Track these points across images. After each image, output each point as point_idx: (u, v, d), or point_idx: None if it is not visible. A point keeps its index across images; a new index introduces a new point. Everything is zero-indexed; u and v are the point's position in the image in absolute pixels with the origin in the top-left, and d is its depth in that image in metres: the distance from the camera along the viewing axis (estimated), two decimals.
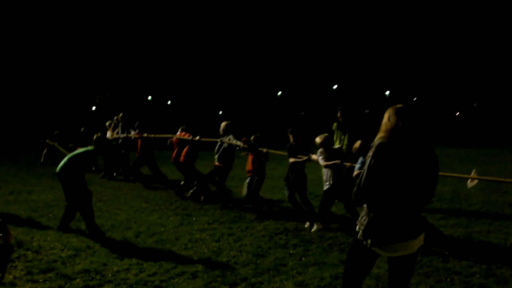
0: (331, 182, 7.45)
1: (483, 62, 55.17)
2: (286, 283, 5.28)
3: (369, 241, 3.33)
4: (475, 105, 58.49)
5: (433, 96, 57.01)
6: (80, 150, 7.73)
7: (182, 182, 10.80)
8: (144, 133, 12.38)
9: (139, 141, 12.46)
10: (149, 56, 54.51)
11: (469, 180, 6.52)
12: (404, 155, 3.25)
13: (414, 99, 56.62)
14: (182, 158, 10.72)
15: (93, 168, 15.22)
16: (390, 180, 3.24)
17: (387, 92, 53.93)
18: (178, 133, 11.43)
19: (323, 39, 57.94)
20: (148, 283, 5.32)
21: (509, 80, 53.26)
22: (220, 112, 58.48)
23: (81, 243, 6.90)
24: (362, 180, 3.29)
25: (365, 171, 3.28)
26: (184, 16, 55.54)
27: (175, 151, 11.21)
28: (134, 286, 5.25)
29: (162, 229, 7.78)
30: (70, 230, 7.56)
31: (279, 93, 57.54)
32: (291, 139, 8.26)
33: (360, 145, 7.18)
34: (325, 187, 7.57)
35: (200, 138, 10.67)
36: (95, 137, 8.13)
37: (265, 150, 8.92)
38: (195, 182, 10.47)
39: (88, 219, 7.33)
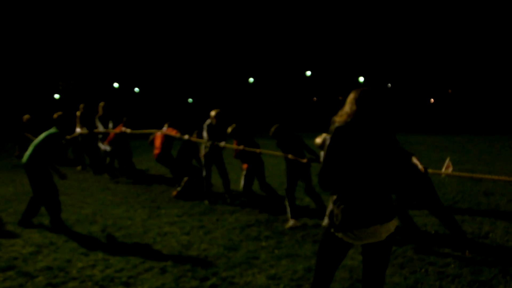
0: None
1: (457, 48, 55.99)
2: (258, 276, 5.14)
3: (333, 227, 3.26)
4: (449, 91, 59.32)
5: (407, 82, 57.62)
6: (42, 135, 7.28)
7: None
8: (128, 129, 11.45)
9: (112, 134, 11.75)
10: (114, 40, 53.36)
11: (443, 167, 6.45)
12: (362, 138, 3.20)
13: (388, 85, 57.20)
14: (158, 150, 10.36)
15: (79, 168, 13.77)
16: (349, 164, 3.19)
17: (361, 79, 54.27)
18: (164, 129, 10.54)
19: (294, 24, 57.87)
20: (115, 279, 5.11)
21: (483, 67, 54.26)
22: (190, 100, 58.03)
23: (44, 238, 6.63)
24: (322, 164, 3.24)
25: (324, 155, 3.23)
26: (150, 1, 54.63)
27: (159, 147, 10.47)
28: (100, 282, 5.03)
29: (130, 222, 7.54)
30: (32, 225, 7.26)
31: (251, 79, 57.29)
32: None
33: None
34: None
35: (189, 137, 9.68)
36: (55, 116, 7.39)
37: (258, 150, 8.45)
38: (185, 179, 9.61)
39: (53, 213, 7.04)
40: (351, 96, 3.36)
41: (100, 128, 12.09)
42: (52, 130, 7.27)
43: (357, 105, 3.28)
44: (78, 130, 12.70)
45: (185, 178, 9.49)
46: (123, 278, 5.13)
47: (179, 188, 9.48)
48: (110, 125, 12.19)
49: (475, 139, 20.65)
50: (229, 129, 8.63)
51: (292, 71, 57.38)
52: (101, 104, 12.37)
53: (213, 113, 9.02)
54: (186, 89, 57.64)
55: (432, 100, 59.60)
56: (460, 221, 7.19)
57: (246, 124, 9.64)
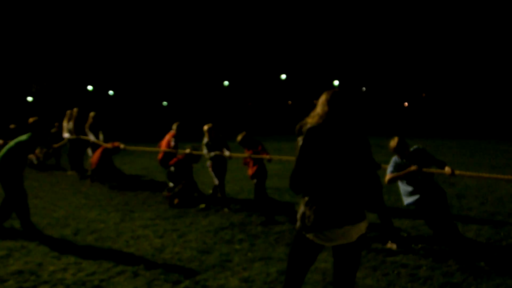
0: None
1: (431, 53, 56.77)
2: (231, 279, 5.15)
3: (304, 229, 3.27)
4: (423, 95, 60.12)
5: (382, 86, 58.23)
6: (12, 142, 7.14)
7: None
8: (122, 145, 11.19)
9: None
10: (88, 42, 52.76)
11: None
12: (334, 139, 3.24)
13: (362, 89, 57.73)
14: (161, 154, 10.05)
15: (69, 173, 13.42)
16: (321, 165, 3.22)
17: (336, 82, 54.67)
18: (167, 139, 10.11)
19: (269, 27, 58.03)
20: (86, 283, 5.07)
21: (457, 71, 55.11)
22: (165, 103, 57.68)
23: (15, 242, 6.54)
24: (294, 166, 3.27)
25: (297, 157, 3.25)
26: (121, 2, 54.17)
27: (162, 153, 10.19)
28: (72, 286, 4.99)
29: (102, 226, 7.49)
30: (3, 229, 7.14)
31: (226, 83, 57.24)
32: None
33: (397, 143, 6.11)
34: None
35: (190, 150, 9.50)
36: (31, 120, 7.16)
37: (268, 156, 8.15)
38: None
39: (22, 217, 6.94)
40: (323, 98, 3.38)
41: (91, 138, 11.76)
42: (24, 137, 7.09)
43: (329, 106, 3.31)
44: (66, 135, 12.52)
45: (179, 186, 9.22)
46: (95, 282, 5.09)
47: (176, 200, 9.09)
48: (101, 136, 11.86)
49: (448, 142, 20.99)
50: (239, 137, 8.33)
51: (267, 75, 57.53)
52: (92, 114, 12.06)
53: (205, 128, 8.84)
54: (161, 92, 57.28)
55: (406, 104, 60.33)
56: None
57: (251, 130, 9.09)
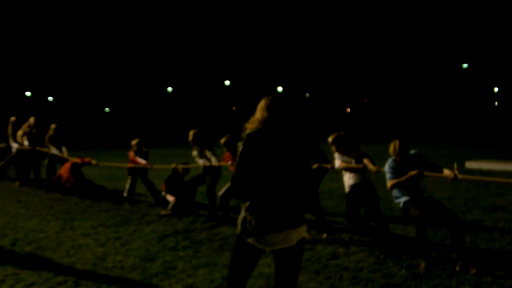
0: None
1: (372, 58, 58.27)
2: (175, 286, 5.12)
3: (245, 233, 3.29)
4: (365, 101, 61.54)
5: (325, 92, 59.24)
6: None
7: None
8: (94, 161, 10.83)
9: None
10: (26, 47, 51.11)
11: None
12: (273, 145, 3.26)
13: (306, 95, 58.53)
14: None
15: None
16: (261, 170, 3.24)
17: (280, 88, 55.25)
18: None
19: (212, 33, 58.05)
20: None
21: (397, 77, 56.77)
22: (107, 109, 56.58)
23: None
24: (235, 171, 3.29)
25: (237, 162, 3.27)
26: (57, 5, 52.80)
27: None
28: None
29: (42, 235, 7.28)
30: None
31: (170, 89, 56.75)
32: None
33: (400, 146, 5.99)
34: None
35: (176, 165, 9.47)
36: None
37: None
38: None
39: None
40: (262, 103, 3.40)
41: (53, 151, 11.10)
42: None
43: (268, 111, 3.33)
44: (14, 146, 12.04)
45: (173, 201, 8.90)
46: None
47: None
48: (64, 149, 11.29)
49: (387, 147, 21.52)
50: (223, 140, 8.22)
51: (211, 81, 57.51)
52: (53, 126, 11.40)
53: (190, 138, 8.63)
54: (103, 98, 56.14)
55: (348, 109, 61.61)
56: (392, 228, 7.47)
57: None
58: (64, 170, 10.86)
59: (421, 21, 56.81)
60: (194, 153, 8.56)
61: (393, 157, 6.03)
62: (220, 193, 8.11)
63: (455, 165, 5.97)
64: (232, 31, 57.95)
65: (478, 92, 54.97)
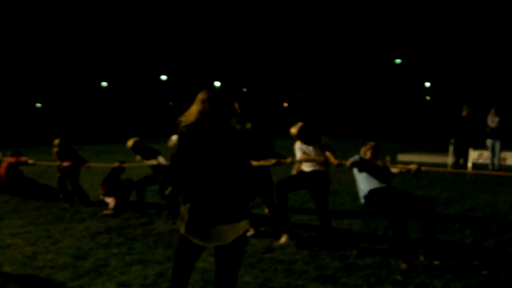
0: None
1: (308, 53, 59.05)
2: (107, 284, 5.03)
3: (183, 229, 3.27)
4: (301, 96, 62.27)
5: (263, 87, 59.54)
6: None
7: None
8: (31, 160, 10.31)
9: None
10: None
11: (295, 168, 6.81)
12: (207, 138, 3.23)
13: (243, 90, 58.64)
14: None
15: None
16: (195, 163, 3.21)
17: (217, 83, 55.16)
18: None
19: (148, 27, 57.20)
20: None
21: (332, 72, 57.82)
22: (39, 105, 54.65)
23: None
24: (170, 164, 3.28)
25: (172, 155, 3.27)
26: None
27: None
28: None
29: None
30: None
31: (104, 83, 55.42)
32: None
33: (373, 148, 6.23)
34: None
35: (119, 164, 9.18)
36: None
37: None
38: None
39: None
40: (198, 97, 3.37)
41: None
42: None
43: (203, 104, 3.31)
44: None
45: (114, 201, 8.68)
46: None
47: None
48: None
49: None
50: (130, 143, 8.30)
51: (147, 75, 56.71)
52: None
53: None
54: (33, 93, 54.12)
55: (285, 104, 62.21)
56: (308, 220, 7.67)
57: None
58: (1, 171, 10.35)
59: (355, 17, 58.19)
60: (138, 158, 8.45)
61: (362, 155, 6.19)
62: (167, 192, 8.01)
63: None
64: (167, 25, 57.31)
65: (410, 87, 56.91)
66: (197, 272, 5.29)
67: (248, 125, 8.34)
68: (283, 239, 6.49)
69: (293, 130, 6.64)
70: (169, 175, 3.22)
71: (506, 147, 14.37)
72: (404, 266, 5.37)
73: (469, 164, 13.39)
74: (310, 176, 6.50)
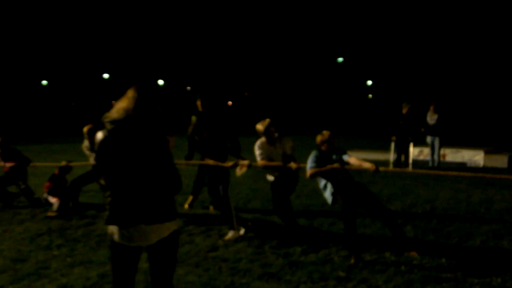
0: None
1: (251, 51, 59.24)
2: (48, 286, 4.93)
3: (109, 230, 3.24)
4: (246, 94, 62.33)
5: (208, 85, 59.24)
6: None
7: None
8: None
9: None
10: None
11: (238, 168, 6.83)
12: (131, 135, 3.17)
13: (187, 88, 58.24)
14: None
15: None
16: (116, 160, 3.15)
17: (161, 82, 54.59)
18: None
19: (90, 25, 55.96)
20: None
21: (275, 70, 58.19)
22: None
23: None
24: (95, 161, 3.23)
25: (96, 152, 3.20)
26: None
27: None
28: None
29: None
30: None
31: (44, 82, 53.75)
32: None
33: (329, 136, 6.22)
34: None
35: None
36: None
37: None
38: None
39: None
40: (127, 93, 3.31)
41: None
42: None
43: (128, 101, 3.25)
44: None
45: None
46: None
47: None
48: None
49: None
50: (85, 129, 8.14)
51: (89, 74, 55.49)
52: None
53: (85, 129, 8.19)
54: None
55: (230, 102, 62.07)
56: (252, 218, 7.75)
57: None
58: None
59: (298, 17, 58.98)
60: (86, 143, 8.28)
61: (318, 149, 6.21)
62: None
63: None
64: (110, 23, 56.27)
65: (352, 85, 58.13)
66: (140, 272, 5.24)
67: (193, 118, 8.38)
68: (230, 235, 6.57)
69: (260, 127, 6.55)
70: (94, 170, 3.14)
71: (446, 143, 14.84)
72: (352, 260, 5.52)
73: (410, 161, 13.75)
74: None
